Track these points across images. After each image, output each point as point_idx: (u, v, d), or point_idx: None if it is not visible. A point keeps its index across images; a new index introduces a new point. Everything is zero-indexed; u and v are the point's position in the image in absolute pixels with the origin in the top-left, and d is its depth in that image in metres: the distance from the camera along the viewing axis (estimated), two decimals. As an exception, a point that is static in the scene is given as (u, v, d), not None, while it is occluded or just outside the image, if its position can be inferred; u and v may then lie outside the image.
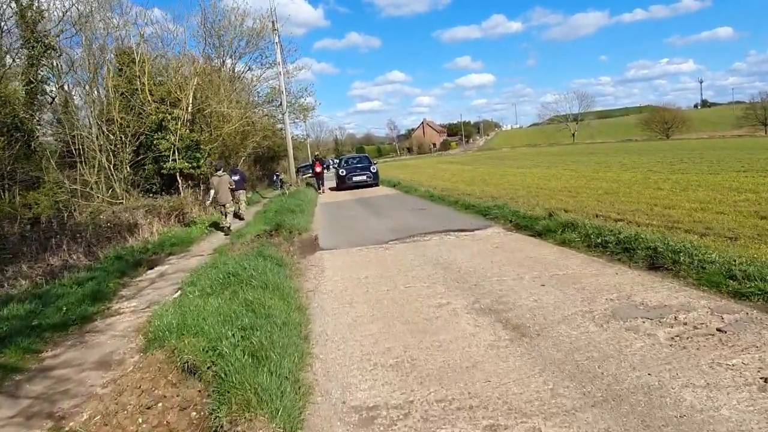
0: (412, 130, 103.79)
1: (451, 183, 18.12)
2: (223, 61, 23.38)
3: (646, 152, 27.72)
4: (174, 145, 13.45)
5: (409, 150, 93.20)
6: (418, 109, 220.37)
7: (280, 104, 20.01)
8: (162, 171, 13.71)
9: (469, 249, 6.30)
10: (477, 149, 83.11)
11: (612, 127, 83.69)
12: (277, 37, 19.67)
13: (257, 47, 23.07)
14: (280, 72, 19.77)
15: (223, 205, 10.27)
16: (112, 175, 13.03)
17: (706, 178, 11.10)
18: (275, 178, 24.43)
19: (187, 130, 13.90)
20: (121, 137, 13.31)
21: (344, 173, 19.63)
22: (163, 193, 14.16)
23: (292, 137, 29.92)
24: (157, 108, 13.37)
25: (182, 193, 13.68)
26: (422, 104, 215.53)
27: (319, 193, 19.60)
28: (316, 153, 24.34)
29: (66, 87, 14.16)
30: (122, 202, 12.96)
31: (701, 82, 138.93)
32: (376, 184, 19.26)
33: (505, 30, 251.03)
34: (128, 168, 13.57)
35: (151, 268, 7.79)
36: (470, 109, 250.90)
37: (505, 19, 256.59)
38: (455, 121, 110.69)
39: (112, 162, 13.01)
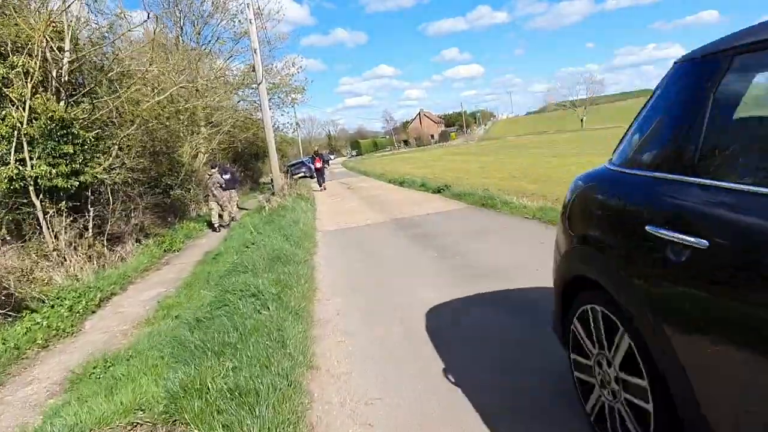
0: (408, 122, 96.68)
1: (507, 182, 12.10)
2: (182, 28, 17.49)
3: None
4: (18, 129, 6.35)
5: (406, 143, 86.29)
6: (407, 102, 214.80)
7: (253, 70, 12.88)
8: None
9: None
10: (479, 139, 76.38)
11: (615, 112, 78.89)
12: (242, -35, 12.52)
13: (227, 11, 17.33)
14: (250, 20, 12.65)
15: (218, 203, 10.56)
16: None
17: None
18: (270, 180, 18.45)
19: (51, 100, 6.74)
20: None
21: None
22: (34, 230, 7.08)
23: (278, 128, 22.75)
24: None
25: (47, 231, 6.61)
26: (411, 97, 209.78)
27: (321, 190, 17.19)
28: (315, 149, 22.30)
29: None
30: None
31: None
32: None
33: (491, 21, 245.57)
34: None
35: None
36: (461, 101, 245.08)
37: (491, 10, 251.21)
38: (449, 112, 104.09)
39: None
